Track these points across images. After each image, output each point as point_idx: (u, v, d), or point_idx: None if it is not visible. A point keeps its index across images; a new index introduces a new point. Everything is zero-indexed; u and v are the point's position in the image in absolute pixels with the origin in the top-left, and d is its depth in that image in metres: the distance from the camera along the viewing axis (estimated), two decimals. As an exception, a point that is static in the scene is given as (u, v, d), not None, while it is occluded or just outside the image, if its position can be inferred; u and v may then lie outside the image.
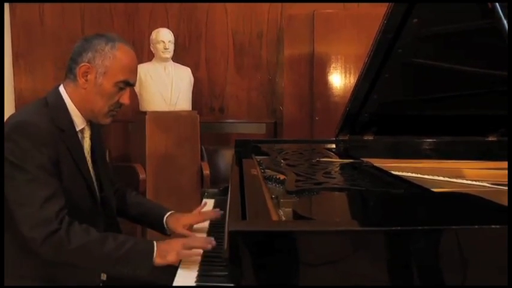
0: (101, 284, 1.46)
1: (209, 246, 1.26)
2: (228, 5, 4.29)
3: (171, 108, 3.68)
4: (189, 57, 4.31)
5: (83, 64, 1.39)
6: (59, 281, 1.38)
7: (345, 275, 0.67)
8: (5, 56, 3.11)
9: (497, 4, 0.98)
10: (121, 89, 1.42)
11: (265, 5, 4.25)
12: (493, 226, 0.71)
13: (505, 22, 0.95)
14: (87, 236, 1.28)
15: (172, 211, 1.61)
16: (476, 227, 0.74)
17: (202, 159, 3.84)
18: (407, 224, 0.70)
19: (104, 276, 1.46)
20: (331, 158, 1.56)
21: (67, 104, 1.42)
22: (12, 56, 3.14)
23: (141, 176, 3.53)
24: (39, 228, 1.25)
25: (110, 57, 1.38)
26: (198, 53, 4.38)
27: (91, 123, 1.51)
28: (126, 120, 4.19)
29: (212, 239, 1.29)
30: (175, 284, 1.16)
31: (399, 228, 0.71)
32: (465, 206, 0.89)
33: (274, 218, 0.89)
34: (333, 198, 0.93)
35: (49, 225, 1.25)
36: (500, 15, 0.97)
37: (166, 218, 1.58)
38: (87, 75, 1.40)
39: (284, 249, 0.66)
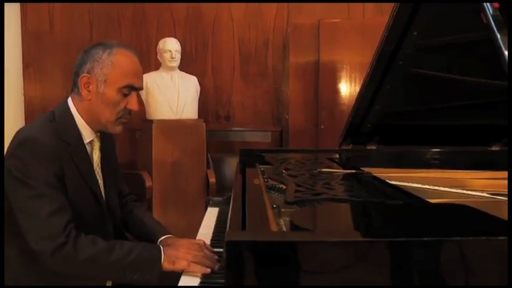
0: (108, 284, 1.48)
1: (216, 268, 1.28)
2: (235, 13, 4.34)
3: (178, 117, 3.72)
4: (195, 65, 4.35)
5: (83, 75, 1.40)
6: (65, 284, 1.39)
7: (337, 285, 0.69)
8: (15, 64, 3.17)
9: (490, 16, 1.00)
10: (126, 95, 1.41)
11: (272, 14, 4.29)
12: (483, 238, 0.73)
13: (498, 34, 0.97)
14: (94, 247, 1.30)
15: (169, 235, 1.58)
16: (470, 238, 0.75)
17: (208, 167, 3.87)
18: (402, 235, 0.72)
19: (109, 283, 1.47)
20: (333, 168, 1.58)
21: (74, 117, 1.43)
22: (22, 64, 3.18)
23: (148, 183, 3.56)
24: (47, 242, 1.26)
25: (108, 64, 1.38)
26: (205, 61, 4.42)
27: (101, 135, 1.52)
28: (134, 128, 4.24)
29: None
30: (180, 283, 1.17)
31: (393, 239, 0.73)
32: (458, 217, 0.91)
33: (274, 227, 0.91)
34: (331, 209, 0.95)
35: (56, 239, 1.26)
36: (493, 27, 0.99)
37: (160, 241, 1.54)
38: (89, 86, 1.40)
39: (280, 259, 0.68)
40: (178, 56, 3.74)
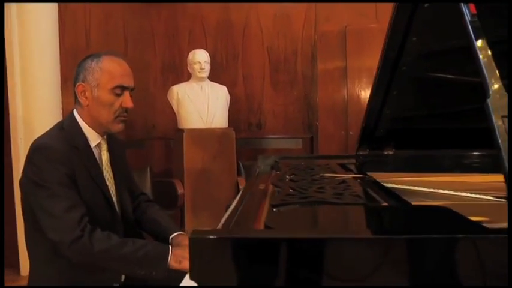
0: (118, 285, 1.58)
1: None
2: (263, 23, 4.42)
3: (208, 126, 3.82)
4: (226, 75, 4.46)
5: (78, 84, 1.54)
6: (81, 279, 1.51)
7: (284, 282, 0.74)
8: (54, 79, 3.34)
9: (468, 22, 1.02)
10: (118, 94, 1.53)
11: (300, 23, 4.34)
12: (451, 236, 0.75)
13: (475, 42, 0.99)
14: (108, 241, 1.43)
15: (180, 232, 1.69)
16: (434, 236, 0.78)
17: (239, 174, 3.94)
18: (356, 233, 0.76)
19: (122, 278, 1.59)
20: (337, 173, 1.61)
21: (80, 124, 1.57)
22: (60, 79, 3.36)
23: (180, 191, 3.68)
24: (64, 235, 1.40)
25: (97, 70, 1.51)
26: (236, 70, 4.53)
27: (108, 138, 1.65)
28: (168, 137, 4.40)
29: None
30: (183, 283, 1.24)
31: (341, 236, 0.77)
32: (433, 218, 0.93)
33: (260, 226, 0.96)
34: (307, 211, 1.00)
35: (72, 232, 1.39)
36: (470, 33, 1.01)
37: (172, 237, 1.66)
38: (85, 93, 1.54)
39: (232, 254, 0.74)
40: (207, 67, 3.85)
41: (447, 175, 1.82)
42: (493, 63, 0.96)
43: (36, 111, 3.19)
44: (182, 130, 3.78)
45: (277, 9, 4.40)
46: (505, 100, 0.92)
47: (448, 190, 1.52)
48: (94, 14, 3.89)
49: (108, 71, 1.52)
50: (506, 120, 0.89)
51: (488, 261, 0.75)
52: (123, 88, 1.54)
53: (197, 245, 0.73)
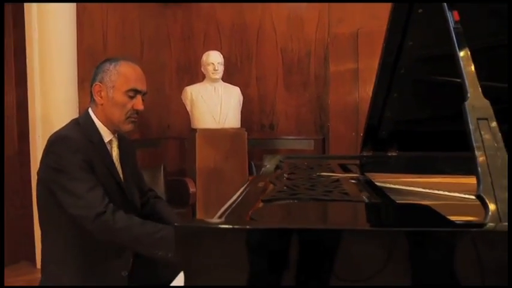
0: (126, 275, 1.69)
1: None
2: (277, 25, 4.47)
3: (220, 126, 3.89)
4: (240, 76, 4.53)
5: (95, 84, 1.66)
6: (93, 267, 1.62)
7: (263, 273, 0.79)
8: (72, 79, 3.44)
9: (451, 28, 1.06)
10: (131, 97, 1.66)
11: (313, 25, 4.38)
12: (419, 229, 0.80)
13: (457, 51, 1.03)
14: (130, 220, 1.53)
15: None
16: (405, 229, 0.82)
17: (251, 174, 4.00)
18: (331, 224, 0.81)
19: (124, 273, 1.69)
20: (335, 173, 1.66)
21: (94, 121, 1.69)
22: (77, 80, 3.46)
23: (192, 189, 3.76)
24: (88, 210, 1.50)
25: (115, 73, 1.64)
26: (249, 72, 4.59)
27: (119, 136, 1.77)
28: (183, 137, 4.49)
29: None
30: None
31: (314, 227, 0.82)
32: (408, 214, 0.98)
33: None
34: (294, 206, 1.05)
35: (96, 208, 1.50)
36: (453, 39, 1.05)
37: None
38: (101, 93, 1.66)
39: (214, 243, 0.80)
40: (221, 68, 3.92)
41: (446, 177, 1.85)
42: (473, 68, 1.01)
43: (54, 111, 3.30)
44: (195, 130, 3.86)
45: (291, 12, 4.44)
46: (482, 103, 0.96)
47: (443, 191, 1.55)
48: (111, 17, 3.99)
49: (124, 75, 1.65)
50: (481, 121, 0.94)
51: (455, 255, 0.79)
52: (136, 91, 1.67)
53: (180, 233, 0.80)
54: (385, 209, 1.06)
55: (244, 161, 3.91)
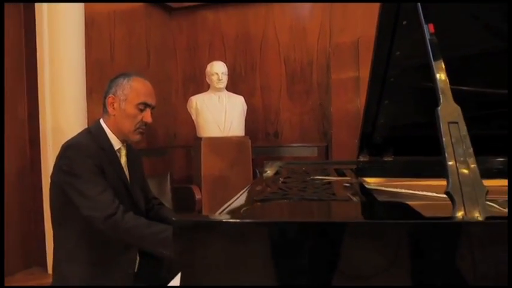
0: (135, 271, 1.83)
1: None
2: (280, 35, 4.58)
3: (225, 134, 3.99)
4: (245, 85, 4.65)
5: (109, 96, 1.81)
6: (101, 263, 1.74)
7: (251, 267, 0.88)
8: (81, 90, 3.56)
9: (427, 40, 1.15)
10: (141, 110, 1.80)
11: (315, 35, 4.49)
12: (394, 221, 0.88)
13: (432, 62, 1.12)
14: (138, 220, 1.67)
15: None
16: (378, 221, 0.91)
17: (255, 181, 4.08)
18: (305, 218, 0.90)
19: (131, 271, 1.82)
20: (329, 177, 1.74)
21: (105, 130, 1.82)
22: (86, 91, 3.58)
23: (197, 196, 3.86)
24: (99, 212, 1.63)
25: (127, 87, 1.79)
26: (254, 81, 4.70)
27: (127, 146, 1.90)
28: (189, 145, 4.59)
29: None
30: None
31: (289, 220, 0.91)
32: (386, 210, 1.07)
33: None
34: (284, 205, 1.14)
35: (107, 209, 1.63)
36: (428, 51, 1.14)
37: None
38: (113, 105, 1.80)
39: (209, 237, 0.89)
40: (225, 78, 4.03)
41: (437, 180, 1.92)
42: (445, 75, 1.09)
43: (63, 121, 3.42)
44: (200, 138, 3.97)
45: (293, 22, 4.56)
46: (453, 108, 1.05)
47: (431, 192, 1.63)
48: (118, 29, 4.13)
49: (136, 89, 1.80)
50: (452, 125, 1.02)
51: (421, 248, 0.87)
52: (146, 105, 1.81)
53: (178, 226, 0.89)
54: (361, 206, 1.16)
55: (248, 168, 4.00)
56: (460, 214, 0.90)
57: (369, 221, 0.95)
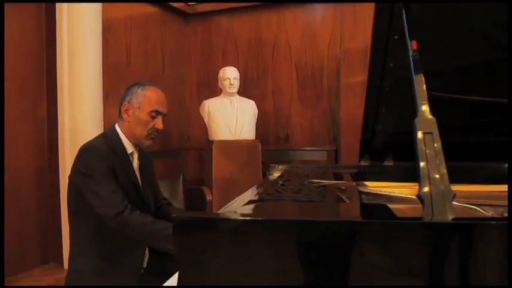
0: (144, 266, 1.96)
1: None
2: (292, 41, 4.68)
3: (236, 138, 4.11)
4: (257, 90, 4.75)
5: (124, 103, 1.95)
6: (114, 257, 1.87)
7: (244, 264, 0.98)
8: (97, 93, 3.69)
9: (410, 56, 1.24)
10: (153, 117, 1.94)
11: (326, 41, 4.57)
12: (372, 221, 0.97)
13: (413, 76, 1.22)
14: (144, 218, 1.80)
15: None
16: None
17: (265, 183, 4.18)
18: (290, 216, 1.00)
19: (144, 264, 1.97)
20: (326, 180, 1.84)
21: (119, 135, 1.96)
22: (102, 94, 3.71)
23: (208, 197, 3.98)
24: (110, 209, 1.77)
25: (141, 95, 1.93)
26: (265, 86, 4.80)
27: (139, 150, 2.03)
28: (202, 148, 4.72)
29: None
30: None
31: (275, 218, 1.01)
32: (369, 211, 1.16)
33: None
34: (276, 205, 1.25)
35: (117, 208, 1.77)
36: (411, 66, 1.23)
37: None
38: (128, 111, 1.94)
39: (207, 232, 1.00)
40: (236, 83, 4.14)
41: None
42: (424, 88, 1.19)
43: (81, 124, 3.56)
44: (212, 141, 4.09)
45: (305, 28, 4.65)
46: (429, 119, 1.14)
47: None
48: (134, 34, 4.27)
49: (149, 98, 1.93)
50: (427, 135, 1.12)
51: (392, 248, 0.96)
52: (158, 113, 1.95)
53: (177, 223, 1.00)
54: (346, 207, 1.26)
55: (258, 171, 4.10)
56: (428, 215, 1.00)
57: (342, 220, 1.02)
